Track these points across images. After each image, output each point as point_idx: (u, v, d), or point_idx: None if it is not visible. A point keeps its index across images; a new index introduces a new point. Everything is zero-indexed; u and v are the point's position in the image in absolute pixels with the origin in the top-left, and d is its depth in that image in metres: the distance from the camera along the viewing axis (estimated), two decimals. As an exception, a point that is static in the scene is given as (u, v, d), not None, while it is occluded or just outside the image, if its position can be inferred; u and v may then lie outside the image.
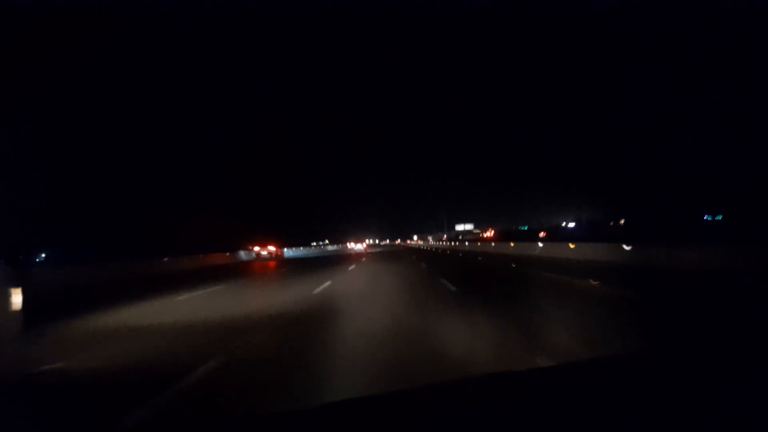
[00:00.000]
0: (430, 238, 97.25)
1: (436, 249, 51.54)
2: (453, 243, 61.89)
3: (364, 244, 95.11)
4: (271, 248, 40.85)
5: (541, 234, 55.35)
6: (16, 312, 4.79)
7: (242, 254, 40.11)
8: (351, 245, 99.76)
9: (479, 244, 42.18)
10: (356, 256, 35.25)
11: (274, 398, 3.60)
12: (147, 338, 6.21)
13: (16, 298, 4.82)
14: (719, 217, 37.34)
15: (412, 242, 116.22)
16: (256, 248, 40.51)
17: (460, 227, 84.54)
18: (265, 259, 38.38)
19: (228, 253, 37.96)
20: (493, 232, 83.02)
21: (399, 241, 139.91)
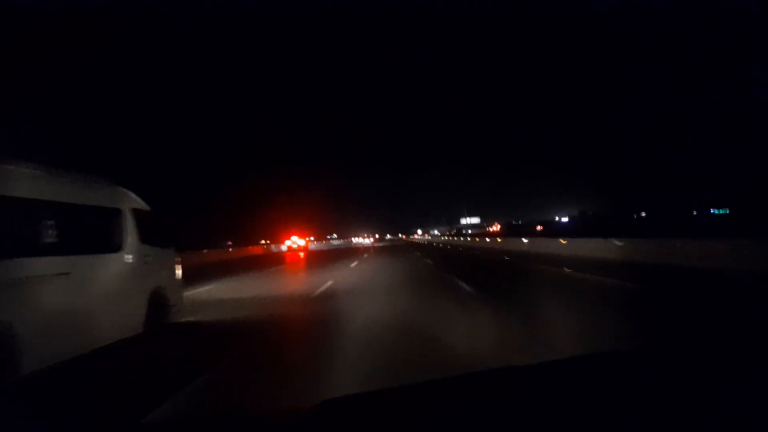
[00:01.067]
0: (436, 232, 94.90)
1: (437, 244, 52.59)
2: (455, 238, 60.78)
3: (371, 239, 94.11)
4: (302, 241, 48.45)
5: (538, 228, 54.60)
6: (180, 280, 7.32)
7: (273, 246, 48.35)
8: (357, 240, 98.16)
9: (477, 239, 41.04)
10: (366, 249, 42.50)
11: (352, 306, 7.91)
12: (257, 303, 9.03)
13: (179, 271, 7.31)
14: (725, 211, 37.16)
15: (418, 237, 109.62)
16: (288, 242, 47.98)
17: (465, 221, 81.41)
18: (295, 250, 45.60)
19: (261, 245, 47.11)
20: (499, 226, 79.29)
21: (405, 236, 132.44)
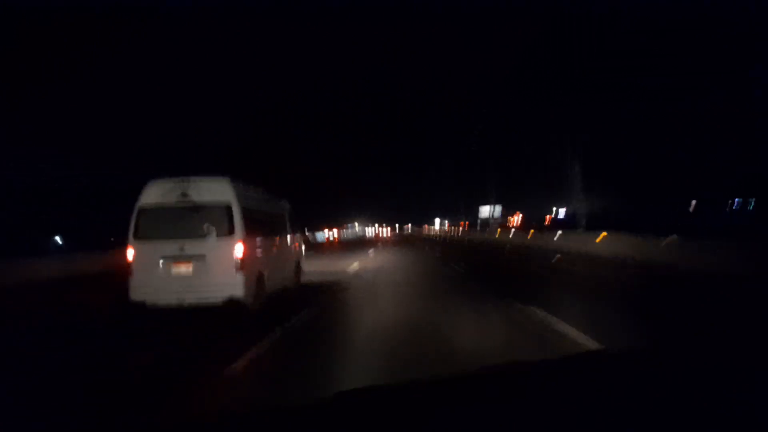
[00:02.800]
0: (443, 221, 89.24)
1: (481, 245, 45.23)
2: (476, 230, 54.67)
3: (388, 230, 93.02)
4: (334, 232, 58.13)
5: (547, 219, 50.61)
6: (304, 255, 11.64)
7: (310, 236, 53.18)
8: (371, 230, 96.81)
9: (497, 235, 34.59)
10: (384, 239, 52.48)
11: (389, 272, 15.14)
12: (333, 274, 13.27)
13: (304, 248, 11.79)
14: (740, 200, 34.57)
15: (433, 229, 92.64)
16: (323, 233, 55.85)
17: (485, 209, 67.96)
18: (331, 240, 53.86)
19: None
20: (521, 216, 66.64)
21: (426, 226, 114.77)
